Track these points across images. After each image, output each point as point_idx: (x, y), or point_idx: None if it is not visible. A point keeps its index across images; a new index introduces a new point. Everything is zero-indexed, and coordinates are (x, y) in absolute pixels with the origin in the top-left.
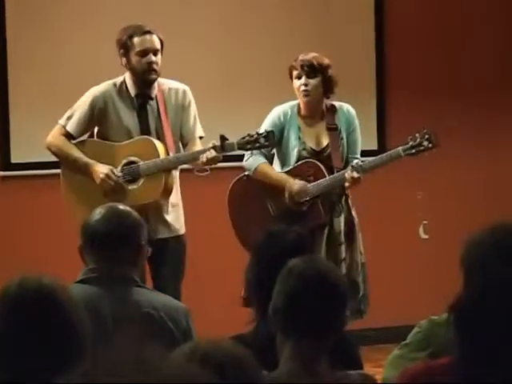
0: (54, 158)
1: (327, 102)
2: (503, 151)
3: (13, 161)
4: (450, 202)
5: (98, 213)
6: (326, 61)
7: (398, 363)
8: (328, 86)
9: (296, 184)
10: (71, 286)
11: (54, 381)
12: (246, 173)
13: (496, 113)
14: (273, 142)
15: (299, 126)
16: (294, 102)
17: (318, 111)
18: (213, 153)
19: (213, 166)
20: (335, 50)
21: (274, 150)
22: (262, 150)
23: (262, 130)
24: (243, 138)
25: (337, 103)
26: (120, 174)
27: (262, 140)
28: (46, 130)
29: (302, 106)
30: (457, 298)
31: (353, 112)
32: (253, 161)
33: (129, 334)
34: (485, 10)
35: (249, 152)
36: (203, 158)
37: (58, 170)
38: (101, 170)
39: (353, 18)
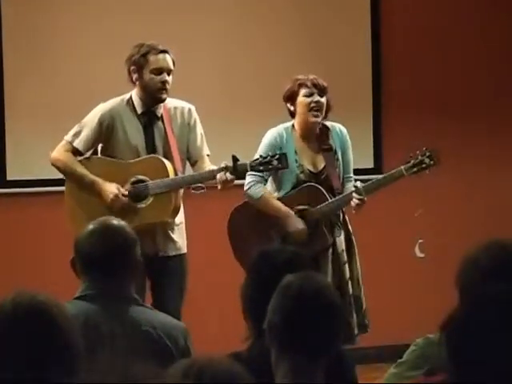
0: (50, 176)
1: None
2: (502, 169)
3: (8, 178)
4: (447, 221)
5: (92, 230)
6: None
7: (394, 381)
8: (328, 109)
9: (295, 224)
10: (70, 302)
11: None
12: (246, 200)
13: (494, 131)
14: (285, 164)
15: (295, 149)
16: (288, 124)
17: (313, 132)
18: (228, 175)
19: (227, 187)
20: (332, 68)
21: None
22: (265, 174)
23: (259, 154)
24: (256, 159)
25: (328, 123)
26: (127, 193)
27: (274, 162)
28: (42, 148)
29: (301, 125)
30: (448, 316)
31: (345, 131)
32: (256, 190)
33: (126, 352)
34: (485, 25)
35: (250, 178)
36: (219, 181)
37: (54, 188)
38: (110, 189)
39: (350, 40)
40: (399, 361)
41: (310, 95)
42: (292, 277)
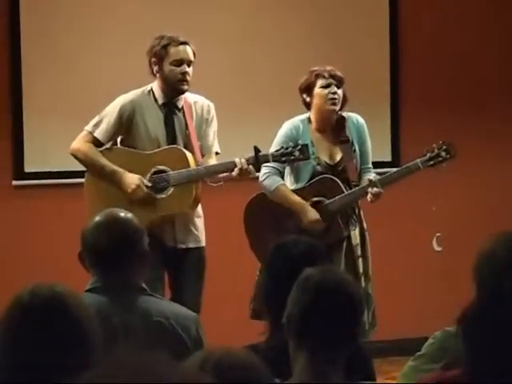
0: (68, 168)
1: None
2: None
3: (26, 170)
4: (464, 215)
5: (98, 222)
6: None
7: (412, 375)
8: (344, 101)
9: (310, 215)
10: (82, 294)
11: None
12: (262, 191)
13: (510, 125)
14: (307, 155)
15: (312, 141)
16: (304, 116)
17: (329, 124)
18: (249, 166)
19: (245, 177)
20: (350, 62)
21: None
22: (280, 165)
23: (275, 147)
24: (277, 150)
25: (345, 114)
26: (149, 183)
27: (296, 153)
28: (59, 140)
29: (317, 117)
30: (464, 309)
31: (362, 121)
32: (271, 181)
33: (140, 343)
34: (504, 19)
35: (265, 169)
36: (239, 166)
37: (72, 180)
38: (131, 180)
39: (368, 31)
40: (417, 354)
41: (327, 86)
42: (311, 270)
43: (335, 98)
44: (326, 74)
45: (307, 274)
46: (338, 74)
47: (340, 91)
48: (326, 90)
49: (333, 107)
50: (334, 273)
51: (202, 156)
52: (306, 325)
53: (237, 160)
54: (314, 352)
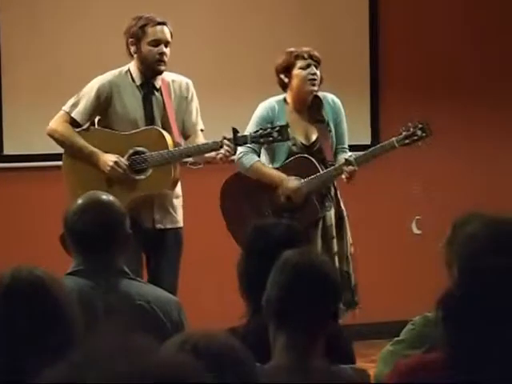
0: (47, 151)
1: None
2: (500, 146)
3: (5, 152)
4: (444, 197)
5: (81, 205)
6: None
7: (391, 359)
8: (320, 81)
9: (291, 183)
10: (62, 278)
11: (43, 368)
12: (237, 172)
13: (492, 105)
14: (286, 136)
15: (288, 121)
16: (280, 97)
17: (306, 105)
18: (230, 145)
19: (225, 162)
20: (329, 44)
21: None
22: (256, 146)
23: (251, 128)
24: (256, 131)
25: (320, 94)
26: (127, 163)
27: (275, 134)
28: (39, 122)
29: (294, 98)
30: (444, 293)
31: (338, 102)
32: (246, 159)
33: (120, 325)
34: (482, 5)
35: (241, 149)
36: (220, 153)
37: (51, 163)
38: (109, 159)
39: (347, 13)
40: (396, 339)
41: (307, 67)
42: (289, 252)
43: (315, 79)
44: (306, 55)
45: (285, 256)
46: (316, 54)
47: (318, 72)
48: (306, 71)
49: (312, 87)
50: (311, 254)
51: (188, 136)
52: (284, 306)
53: (223, 150)
54: (292, 333)
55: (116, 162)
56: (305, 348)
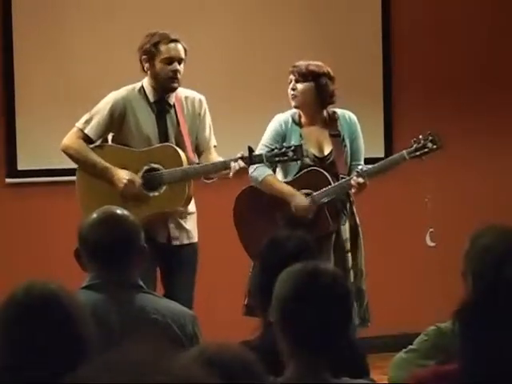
0: (60, 166)
1: (329, 109)
2: None
3: (19, 168)
4: (458, 209)
5: (96, 219)
6: (323, 70)
7: (404, 366)
8: (322, 95)
9: (301, 199)
10: (77, 292)
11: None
12: (252, 184)
13: (507, 116)
14: (300, 155)
15: (301, 134)
16: (295, 110)
17: (317, 118)
18: (241, 164)
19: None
20: (342, 56)
21: None
22: (273, 164)
23: (265, 141)
24: (271, 150)
25: (339, 110)
26: (141, 181)
27: (290, 154)
28: (52, 137)
29: (301, 113)
30: (461, 304)
31: (354, 119)
32: (259, 173)
33: (136, 340)
34: (489, 12)
35: None
36: (233, 170)
37: (65, 177)
38: (123, 175)
39: (360, 25)
40: (410, 347)
41: (290, 82)
42: (289, 269)
43: (292, 94)
44: (290, 69)
45: (288, 269)
46: (304, 68)
47: (302, 85)
48: (290, 87)
49: (292, 102)
50: (315, 266)
51: (201, 153)
52: (285, 318)
53: (232, 164)
54: (295, 345)
55: (130, 180)
56: (317, 368)
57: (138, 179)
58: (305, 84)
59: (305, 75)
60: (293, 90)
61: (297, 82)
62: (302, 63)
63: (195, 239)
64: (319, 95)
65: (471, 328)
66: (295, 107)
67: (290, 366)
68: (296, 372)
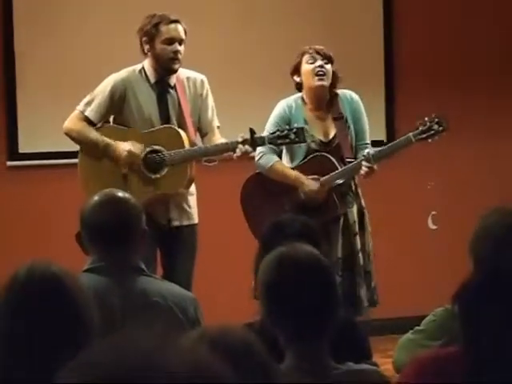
0: (62, 148)
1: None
2: None
3: (20, 151)
4: (459, 192)
5: (98, 201)
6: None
7: (410, 347)
8: (335, 79)
9: (310, 184)
10: (78, 275)
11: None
12: (258, 171)
13: (508, 100)
14: (303, 137)
15: (305, 119)
16: (298, 95)
17: (323, 102)
18: (247, 147)
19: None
20: (343, 40)
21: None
22: (275, 146)
23: (269, 126)
24: (273, 132)
25: (339, 91)
26: (142, 156)
27: (292, 136)
28: (53, 120)
29: (309, 94)
30: (460, 286)
31: (356, 98)
32: (266, 160)
33: (138, 323)
34: None
35: (261, 149)
36: (238, 152)
37: (66, 160)
38: (123, 147)
39: (361, 10)
40: (417, 328)
41: (312, 62)
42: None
43: (322, 72)
44: (311, 50)
45: (269, 254)
46: (326, 51)
47: (328, 66)
48: (312, 65)
49: (320, 82)
50: (298, 248)
51: (204, 134)
52: (271, 304)
53: (239, 147)
54: (286, 332)
55: (130, 150)
56: (316, 352)
57: (139, 147)
58: (328, 65)
59: (327, 57)
60: (321, 67)
61: (322, 61)
62: (317, 46)
63: (195, 220)
64: (335, 78)
65: (471, 311)
66: (320, 87)
67: (288, 353)
68: (295, 359)
